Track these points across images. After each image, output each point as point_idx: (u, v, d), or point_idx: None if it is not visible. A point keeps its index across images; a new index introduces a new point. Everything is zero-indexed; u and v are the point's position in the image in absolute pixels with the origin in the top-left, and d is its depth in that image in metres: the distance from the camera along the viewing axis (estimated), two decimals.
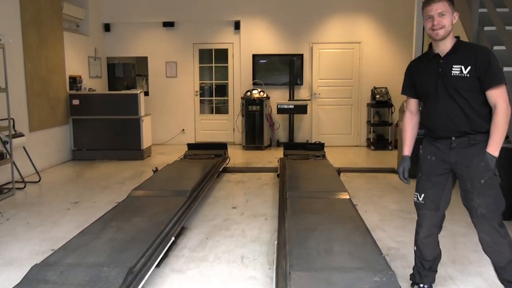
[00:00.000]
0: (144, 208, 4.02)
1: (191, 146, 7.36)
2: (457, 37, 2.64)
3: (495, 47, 4.29)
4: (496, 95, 2.49)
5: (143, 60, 9.48)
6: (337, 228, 3.40)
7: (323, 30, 9.00)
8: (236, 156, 8.08)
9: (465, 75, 2.51)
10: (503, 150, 2.69)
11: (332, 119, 9.22)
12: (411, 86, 2.82)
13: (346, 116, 9.21)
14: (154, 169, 5.74)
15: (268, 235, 3.98)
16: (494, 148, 2.51)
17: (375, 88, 8.79)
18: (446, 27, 2.54)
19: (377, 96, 8.66)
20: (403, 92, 2.93)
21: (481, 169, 2.53)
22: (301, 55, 9.06)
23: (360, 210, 4.45)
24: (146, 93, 9.28)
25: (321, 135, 9.18)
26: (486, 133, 2.53)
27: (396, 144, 8.17)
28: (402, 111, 6.39)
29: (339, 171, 5.73)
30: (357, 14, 8.90)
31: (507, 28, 4.10)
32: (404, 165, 2.82)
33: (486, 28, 4.54)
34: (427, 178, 2.75)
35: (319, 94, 9.13)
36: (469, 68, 2.51)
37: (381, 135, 8.90)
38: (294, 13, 8.96)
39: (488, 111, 2.54)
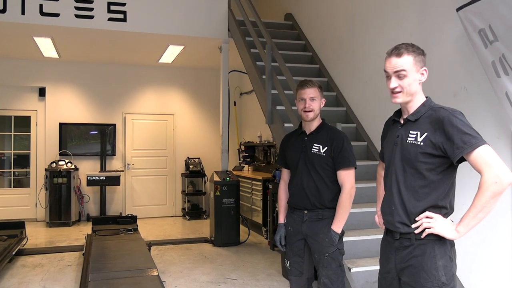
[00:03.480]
0: None
1: None
2: (323, 119, 2.98)
3: (286, 124, 4.85)
4: (344, 176, 2.82)
5: None
6: None
7: (137, 100, 9.00)
8: (38, 234, 7.22)
9: (322, 153, 2.84)
10: None
11: (147, 190, 9.05)
12: (283, 157, 3.08)
13: (161, 186, 9.15)
14: None
15: None
16: (337, 225, 2.78)
17: (188, 158, 9.01)
18: (315, 111, 2.87)
19: (191, 167, 8.87)
20: (278, 162, 3.26)
21: (326, 244, 2.77)
22: (114, 125, 8.83)
23: (170, 286, 4.33)
24: None
25: (135, 207, 8.87)
26: (333, 209, 2.81)
27: (209, 213, 8.36)
28: (211, 181, 6.65)
29: (150, 245, 5.54)
30: (170, 87, 9.18)
31: (293, 108, 4.68)
32: (280, 233, 3.01)
33: (278, 107, 5.12)
34: (289, 246, 2.96)
35: (133, 164, 8.93)
36: (326, 148, 2.85)
37: (196, 204, 9.04)
38: (106, 82, 8.80)
39: (337, 190, 2.84)
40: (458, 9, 3.34)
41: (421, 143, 2.00)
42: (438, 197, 2.00)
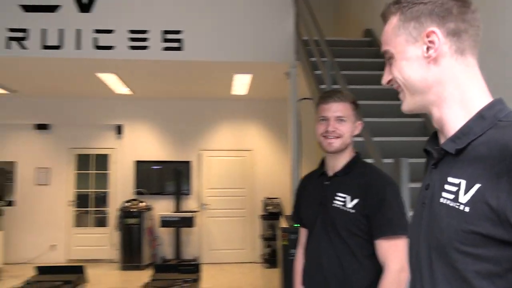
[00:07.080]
0: None
1: (41, 270, 6.06)
2: (357, 153, 1.89)
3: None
4: (387, 250, 1.67)
5: (10, 166, 8.33)
6: None
7: (212, 137, 8.47)
8: (105, 279, 6.86)
9: (349, 209, 1.74)
10: None
11: (224, 233, 8.32)
12: (297, 210, 2.03)
13: (239, 229, 8.36)
14: None
15: None
16: None
17: (267, 198, 8.12)
18: (344, 137, 1.81)
19: (269, 207, 7.97)
20: (292, 218, 2.15)
21: None
22: (189, 163, 8.35)
23: None
24: (10, 203, 8.03)
25: (212, 250, 8.19)
26: None
27: None
28: (279, 227, 5.66)
29: None
30: (246, 121, 8.50)
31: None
32: None
33: None
34: None
35: (208, 204, 8.30)
36: (356, 201, 1.74)
37: (276, 250, 8.05)
38: (182, 119, 8.42)
39: (377, 271, 1.70)
40: None
41: (467, 209, 0.82)
42: None
